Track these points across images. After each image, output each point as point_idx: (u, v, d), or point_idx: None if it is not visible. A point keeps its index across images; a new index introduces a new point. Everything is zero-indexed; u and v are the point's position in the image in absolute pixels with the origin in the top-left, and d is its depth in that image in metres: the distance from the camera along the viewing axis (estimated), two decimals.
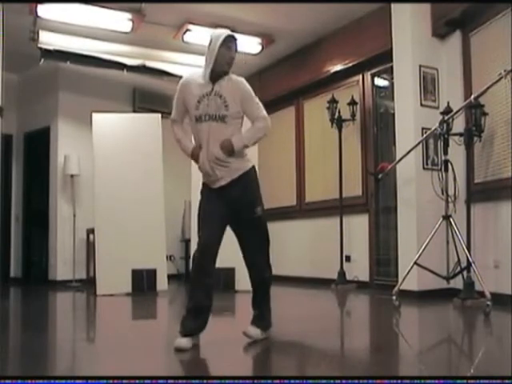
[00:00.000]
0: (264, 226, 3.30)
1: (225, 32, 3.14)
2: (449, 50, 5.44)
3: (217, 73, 3.10)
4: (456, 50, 5.33)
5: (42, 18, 5.89)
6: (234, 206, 3.12)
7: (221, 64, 3.09)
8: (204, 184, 3.21)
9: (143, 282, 6.17)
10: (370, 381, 2.23)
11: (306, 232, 7.26)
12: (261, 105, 3.20)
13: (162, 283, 6.26)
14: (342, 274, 6.29)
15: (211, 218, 3.10)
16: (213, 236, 3.06)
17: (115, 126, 6.45)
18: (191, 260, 3.15)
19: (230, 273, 5.89)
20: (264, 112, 3.18)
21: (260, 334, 3.20)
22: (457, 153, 4.95)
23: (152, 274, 6.21)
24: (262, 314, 3.28)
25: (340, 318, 4.89)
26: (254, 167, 3.24)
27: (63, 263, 7.51)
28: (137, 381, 2.22)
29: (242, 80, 3.18)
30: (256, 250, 3.27)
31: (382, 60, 5.98)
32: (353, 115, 6.39)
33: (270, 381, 2.33)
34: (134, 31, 6.28)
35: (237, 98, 3.08)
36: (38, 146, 8.06)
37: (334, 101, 6.48)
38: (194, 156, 3.15)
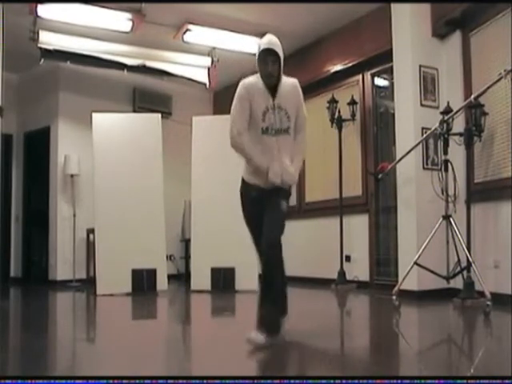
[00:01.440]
0: (284, 218, 3.29)
1: (261, 45, 3.12)
2: (449, 50, 5.44)
3: (268, 86, 3.14)
4: (456, 50, 5.33)
5: (42, 18, 5.89)
6: (268, 197, 3.20)
7: (264, 80, 3.14)
8: (246, 186, 3.28)
9: (143, 281, 6.17)
10: (370, 381, 2.23)
11: (306, 232, 7.25)
12: (305, 111, 3.30)
13: (161, 283, 6.26)
14: (342, 273, 6.29)
15: (257, 219, 3.18)
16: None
17: (115, 126, 6.45)
18: (262, 264, 3.16)
19: (230, 273, 5.89)
20: (306, 121, 3.31)
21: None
22: (457, 153, 4.95)
23: (152, 273, 6.21)
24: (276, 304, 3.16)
25: (340, 317, 4.89)
26: None
27: (63, 263, 7.50)
28: (137, 381, 2.22)
29: (297, 85, 3.26)
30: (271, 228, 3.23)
31: (382, 60, 5.98)
32: (353, 115, 6.39)
33: (269, 381, 2.33)
34: (134, 31, 6.28)
35: (294, 106, 3.18)
36: (38, 146, 8.06)
37: (333, 101, 6.48)
38: (267, 173, 3.17)
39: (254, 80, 3.19)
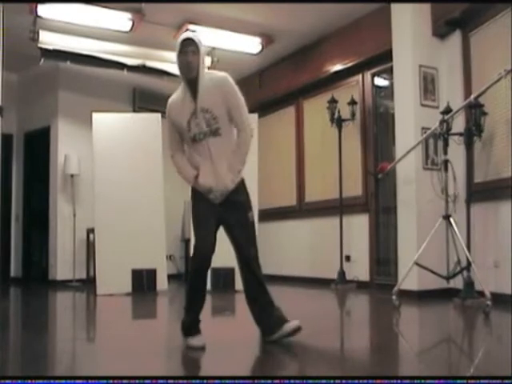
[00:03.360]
0: (253, 231, 3.18)
1: (181, 38, 3.00)
2: (449, 50, 5.43)
3: (189, 82, 3.01)
4: (456, 49, 5.33)
5: (42, 18, 5.89)
6: (227, 210, 3.09)
7: (183, 73, 3.01)
8: (196, 192, 3.13)
9: (143, 281, 6.17)
10: (370, 381, 2.23)
11: (305, 232, 7.25)
12: (243, 105, 3.08)
13: (161, 283, 6.26)
14: (341, 273, 6.29)
15: (207, 228, 3.05)
16: (210, 243, 3.03)
17: (115, 126, 6.45)
18: (190, 268, 3.13)
19: (229, 273, 5.89)
20: (245, 117, 3.09)
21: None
22: (457, 153, 4.95)
23: (152, 273, 6.21)
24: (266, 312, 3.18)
25: (340, 317, 4.89)
26: (243, 178, 3.20)
27: (63, 263, 7.51)
28: (137, 381, 2.22)
29: (223, 78, 3.06)
30: (246, 245, 3.17)
31: (382, 60, 5.97)
32: (353, 115, 6.39)
33: (269, 381, 2.33)
34: (134, 31, 6.28)
35: (221, 105, 3.01)
36: (38, 145, 8.06)
37: (333, 101, 6.48)
38: (196, 183, 3.09)
39: (176, 94, 3.13)
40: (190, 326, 3.09)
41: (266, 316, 3.16)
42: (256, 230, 3.22)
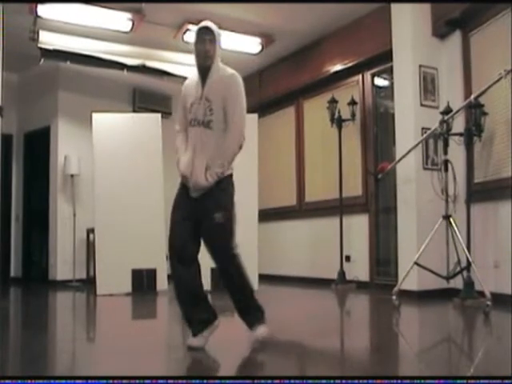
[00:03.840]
0: (224, 234, 3.04)
1: (199, 26, 3.03)
2: (449, 50, 5.43)
3: (202, 70, 3.03)
4: (456, 49, 5.33)
5: (42, 18, 5.89)
6: (197, 209, 3.01)
7: (199, 60, 3.02)
8: (180, 185, 3.11)
9: (143, 281, 6.17)
10: (370, 381, 2.23)
11: (305, 232, 7.25)
12: (240, 108, 3.02)
13: (161, 283, 6.26)
14: (341, 273, 6.29)
15: (181, 223, 3.01)
16: (178, 234, 2.99)
17: (115, 126, 6.45)
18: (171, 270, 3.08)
19: None
20: (237, 119, 3.00)
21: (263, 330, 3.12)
22: (457, 153, 4.95)
23: (152, 273, 6.21)
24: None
25: (340, 317, 4.89)
26: (230, 175, 3.07)
27: (63, 263, 7.50)
28: (137, 381, 2.22)
29: (232, 75, 3.05)
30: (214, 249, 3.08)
31: (382, 60, 5.97)
32: (353, 115, 6.39)
33: (269, 381, 2.33)
34: (134, 31, 6.28)
35: (221, 98, 2.98)
36: (38, 145, 8.06)
37: (333, 101, 6.48)
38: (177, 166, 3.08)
39: (192, 75, 3.16)
40: (190, 326, 3.07)
41: (244, 314, 3.17)
42: (231, 229, 3.05)
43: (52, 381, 2.27)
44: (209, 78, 3.01)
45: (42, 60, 6.45)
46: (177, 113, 3.26)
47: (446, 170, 4.71)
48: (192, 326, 3.04)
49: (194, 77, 3.11)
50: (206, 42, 2.98)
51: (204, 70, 3.02)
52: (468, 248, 4.51)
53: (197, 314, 3.03)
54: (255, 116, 6.31)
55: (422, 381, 2.24)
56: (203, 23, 3.04)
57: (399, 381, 2.22)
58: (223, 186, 3.03)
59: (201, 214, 3.00)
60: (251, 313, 3.16)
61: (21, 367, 2.76)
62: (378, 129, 6.36)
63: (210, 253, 3.07)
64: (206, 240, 3.04)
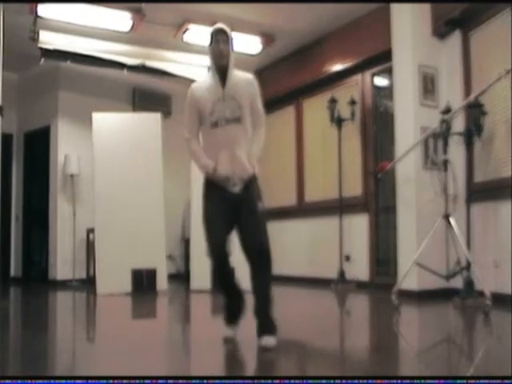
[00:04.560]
0: (265, 223, 3.23)
1: (213, 29, 3.18)
2: (449, 50, 5.43)
3: (218, 70, 3.15)
4: (456, 49, 5.33)
5: (42, 18, 5.89)
6: (240, 204, 3.12)
7: (215, 60, 3.15)
8: (209, 185, 3.17)
9: (143, 281, 6.17)
10: (370, 381, 2.23)
11: (305, 232, 7.25)
12: (261, 105, 3.27)
13: (161, 283, 6.26)
14: (341, 273, 6.29)
15: (219, 221, 3.11)
16: (221, 242, 3.10)
17: (115, 126, 6.45)
18: (212, 268, 3.19)
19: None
20: (263, 112, 3.28)
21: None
22: (457, 153, 4.95)
23: (152, 273, 6.21)
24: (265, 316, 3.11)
25: (340, 317, 4.89)
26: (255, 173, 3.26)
27: (63, 263, 7.50)
28: (137, 381, 2.22)
29: (252, 78, 3.27)
30: (257, 232, 3.18)
31: (382, 59, 5.97)
32: (352, 115, 6.39)
33: (269, 381, 2.33)
34: (134, 31, 6.28)
35: (247, 97, 3.16)
36: (38, 145, 8.06)
37: (333, 100, 6.48)
38: (214, 172, 3.12)
39: (202, 80, 3.29)
40: (226, 318, 3.24)
41: (258, 314, 3.11)
42: (267, 226, 3.22)
43: (52, 381, 2.27)
44: (228, 79, 3.14)
45: (42, 60, 6.44)
46: (178, 115, 3.31)
47: (446, 169, 4.70)
48: (231, 316, 3.23)
49: (204, 81, 3.23)
50: (220, 42, 3.13)
51: (221, 71, 3.15)
52: (468, 248, 4.52)
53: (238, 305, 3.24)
54: None
55: (422, 381, 2.24)
56: (217, 25, 3.20)
57: (399, 381, 2.22)
58: (255, 178, 3.21)
59: (244, 206, 3.12)
60: (268, 319, 3.09)
61: (21, 367, 2.76)
62: (377, 128, 6.36)
63: (247, 243, 3.13)
64: (249, 228, 3.13)
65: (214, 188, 3.15)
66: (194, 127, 3.22)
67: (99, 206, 6.20)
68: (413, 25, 5.40)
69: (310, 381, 2.35)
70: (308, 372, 2.75)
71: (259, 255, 3.12)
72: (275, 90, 7.64)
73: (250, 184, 3.16)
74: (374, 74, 6.41)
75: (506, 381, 2.13)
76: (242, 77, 3.22)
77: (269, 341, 2.97)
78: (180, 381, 2.34)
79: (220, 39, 3.13)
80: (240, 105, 3.12)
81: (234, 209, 3.11)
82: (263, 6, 5.99)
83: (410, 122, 5.32)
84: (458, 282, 4.71)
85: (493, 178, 4.83)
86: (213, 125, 3.12)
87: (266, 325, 3.05)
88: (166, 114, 8.01)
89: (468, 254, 4.40)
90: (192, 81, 3.48)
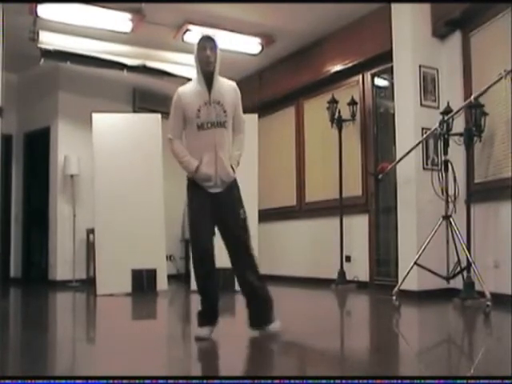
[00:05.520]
0: (247, 229, 3.34)
1: (200, 37, 3.31)
2: (449, 50, 5.43)
3: (204, 75, 3.25)
4: (456, 50, 5.33)
5: (42, 18, 5.88)
6: (222, 208, 3.26)
7: (202, 66, 3.25)
8: (193, 186, 3.32)
9: (143, 281, 6.17)
10: (370, 381, 2.23)
11: (306, 232, 7.25)
12: (241, 112, 3.45)
13: (161, 283, 6.26)
14: (341, 274, 6.29)
15: (204, 221, 3.23)
16: (206, 236, 3.21)
17: (115, 126, 6.45)
18: (193, 266, 3.30)
19: (229, 273, 5.86)
20: (243, 119, 3.45)
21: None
22: (457, 153, 4.94)
23: (152, 273, 6.21)
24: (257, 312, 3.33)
25: (340, 318, 4.89)
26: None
27: (63, 263, 7.50)
28: (137, 381, 2.22)
29: (235, 85, 3.40)
30: (241, 252, 3.34)
31: (382, 60, 5.97)
32: (353, 115, 6.39)
33: (269, 381, 2.33)
34: (134, 31, 6.28)
35: (231, 104, 3.30)
36: (38, 145, 8.06)
37: (334, 101, 6.48)
38: (197, 170, 3.24)
39: (189, 85, 3.39)
40: (200, 317, 3.26)
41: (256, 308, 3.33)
42: (249, 227, 3.33)
43: (52, 381, 2.27)
44: (214, 84, 3.25)
45: (42, 60, 6.45)
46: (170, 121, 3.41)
47: (446, 170, 4.70)
48: (205, 317, 3.25)
49: (191, 86, 3.35)
50: (207, 48, 3.24)
51: (208, 76, 3.26)
52: (468, 248, 4.51)
53: (214, 308, 3.27)
54: (255, 116, 6.31)
55: (422, 381, 2.24)
56: (203, 34, 3.36)
57: (399, 381, 2.22)
58: (236, 183, 3.37)
59: (223, 210, 3.26)
60: (262, 310, 3.29)
61: (21, 367, 2.76)
62: (378, 129, 6.35)
63: (231, 248, 3.28)
64: (231, 235, 3.28)
65: (196, 188, 3.29)
66: (178, 129, 3.35)
67: (99, 206, 6.20)
68: (413, 25, 5.40)
69: (310, 381, 2.35)
70: (308, 372, 2.75)
71: (238, 248, 3.30)
72: (275, 91, 7.65)
73: (231, 188, 3.31)
74: (374, 75, 6.41)
75: (506, 381, 2.13)
76: (226, 83, 3.36)
77: (276, 326, 3.21)
78: (180, 381, 2.34)
79: (207, 46, 3.25)
80: (225, 110, 3.25)
81: (215, 208, 3.24)
82: (263, 7, 5.99)
83: (411, 123, 5.32)
84: (458, 283, 4.71)
85: (493, 178, 4.83)
86: (198, 127, 3.23)
87: (262, 315, 3.27)
88: (166, 114, 7.98)
89: (468, 255, 4.40)
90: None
